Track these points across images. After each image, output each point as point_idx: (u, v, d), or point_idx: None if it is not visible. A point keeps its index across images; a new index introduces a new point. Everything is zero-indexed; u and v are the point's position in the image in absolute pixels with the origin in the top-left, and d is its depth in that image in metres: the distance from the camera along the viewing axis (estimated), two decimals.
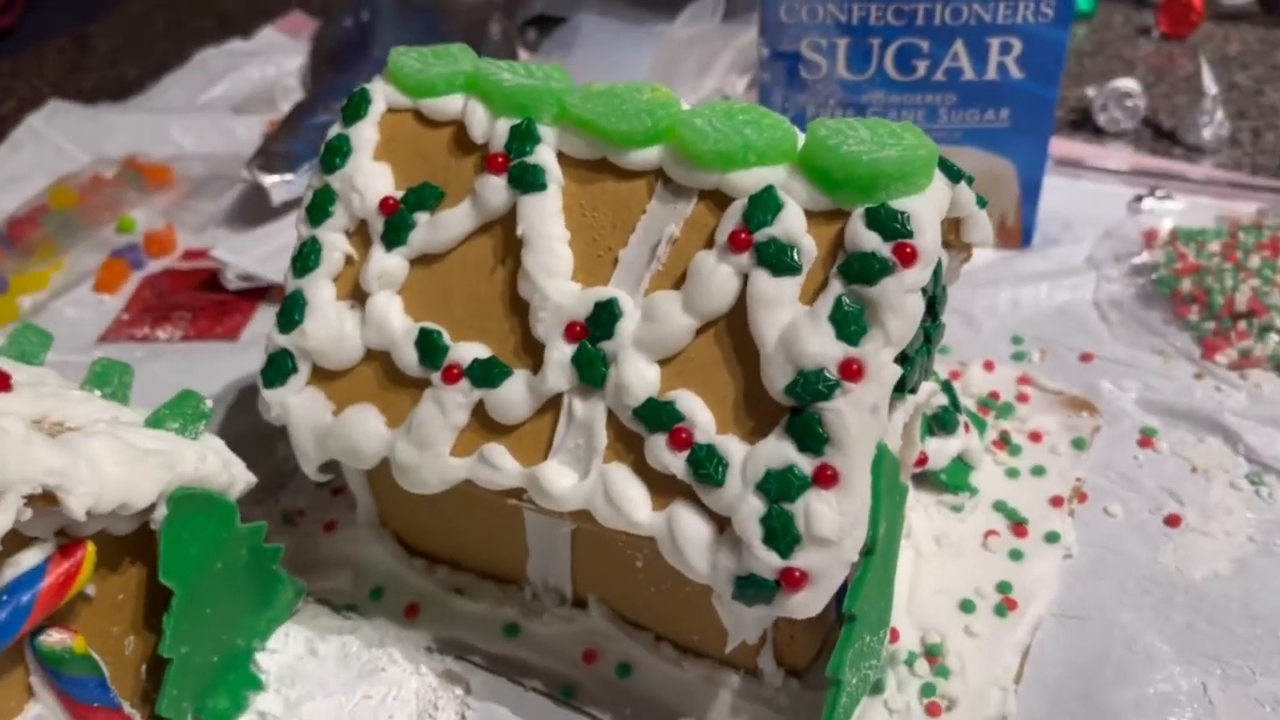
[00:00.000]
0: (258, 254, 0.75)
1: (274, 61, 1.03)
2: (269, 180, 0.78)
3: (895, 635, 0.48)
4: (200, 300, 0.74)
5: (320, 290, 0.47)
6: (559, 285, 0.43)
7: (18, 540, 0.38)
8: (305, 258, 0.48)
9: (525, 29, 1.05)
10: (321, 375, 0.47)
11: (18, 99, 1.00)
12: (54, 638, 0.39)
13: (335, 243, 0.48)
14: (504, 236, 0.45)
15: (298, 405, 0.47)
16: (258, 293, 0.74)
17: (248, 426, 0.60)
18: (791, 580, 0.38)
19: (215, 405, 0.63)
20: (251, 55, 1.05)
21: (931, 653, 0.48)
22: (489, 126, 0.46)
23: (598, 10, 0.97)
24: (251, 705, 0.48)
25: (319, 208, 0.48)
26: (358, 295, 0.47)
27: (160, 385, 0.48)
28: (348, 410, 0.46)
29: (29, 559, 0.38)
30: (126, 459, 0.39)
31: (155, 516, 0.41)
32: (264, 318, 0.72)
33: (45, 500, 0.37)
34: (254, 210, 0.80)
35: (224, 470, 0.43)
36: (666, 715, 0.46)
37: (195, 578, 0.43)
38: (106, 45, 1.12)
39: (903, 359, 0.40)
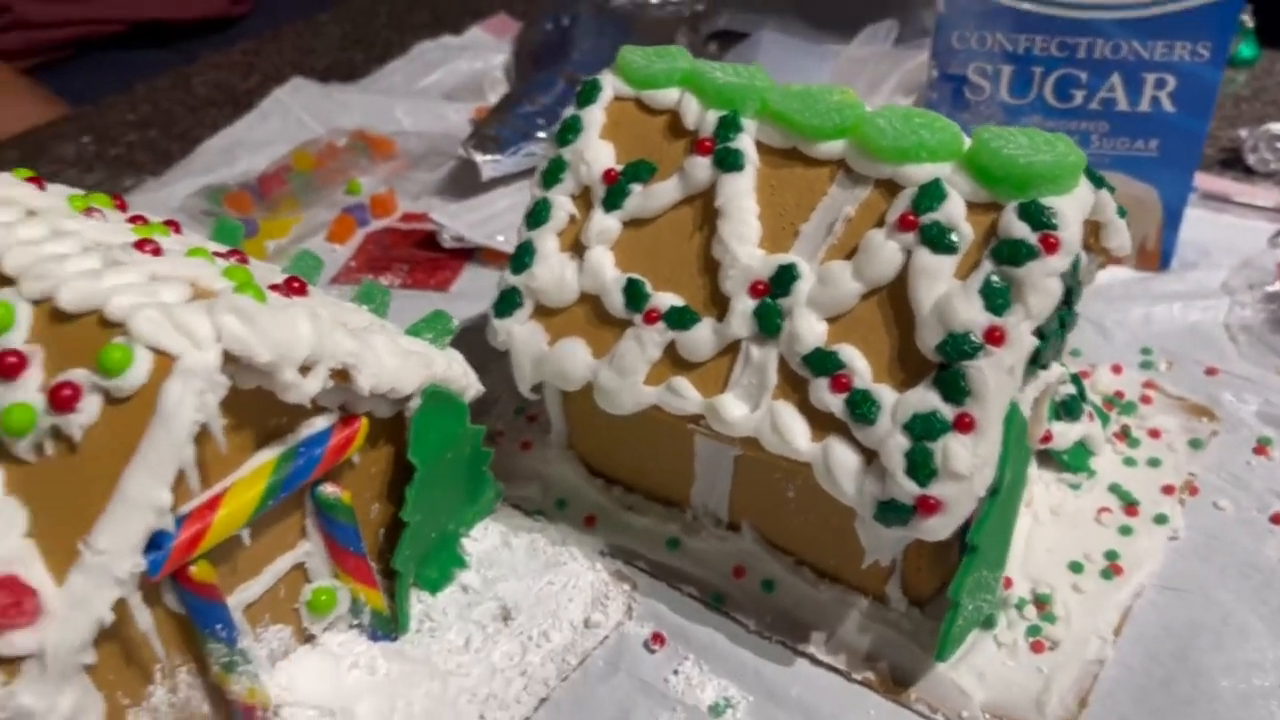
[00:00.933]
0: (469, 220, 0.86)
1: (481, 57, 1.15)
2: (481, 158, 0.90)
3: (1009, 583, 0.55)
4: (417, 256, 0.85)
5: (547, 241, 0.57)
6: (747, 250, 0.52)
7: (314, 408, 0.48)
8: (537, 214, 0.58)
9: (709, 42, 1.14)
10: (541, 311, 0.57)
11: (261, 74, 1.15)
12: (330, 490, 0.50)
13: (563, 204, 0.57)
14: (704, 207, 0.54)
15: (520, 333, 0.57)
16: (466, 253, 0.85)
17: None
18: (927, 506, 0.46)
19: None
20: (462, 50, 1.17)
21: (1041, 600, 0.54)
22: (700, 116, 0.55)
23: (778, 28, 1.06)
24: (456, 579, 0.58)
25: (552, 174, 0.58)
26: (577, 248, 0.57)
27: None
28: (561, 341, 0.56)
29: (320, 423, 0.49)
30: (398, 354, 0.49)
31: (410, 405, 0.51)
32: (470, 274, 0.83)
33: (340, 376, 0.47)
34: (465, 183, 0.92)
35: (463, 376, 0.53)
36: (801, 627, 0.54)
37: (433, 461, 0.53)
38: (337, 33, 1.26)
39: (1039, 335, 0.47)
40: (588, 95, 0.59)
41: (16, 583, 0.39)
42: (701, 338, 0.52)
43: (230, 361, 0.43)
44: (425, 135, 1.00)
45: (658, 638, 0.55)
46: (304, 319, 0.45)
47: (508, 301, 0.57)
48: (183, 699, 0.48)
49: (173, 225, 0.54)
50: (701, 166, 0.54)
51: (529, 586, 0.57)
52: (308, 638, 0.53)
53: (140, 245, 0.47)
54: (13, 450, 0.42)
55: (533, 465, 0.64)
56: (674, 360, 0.53)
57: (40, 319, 0.44)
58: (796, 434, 0.49)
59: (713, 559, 0.58)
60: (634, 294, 0.54)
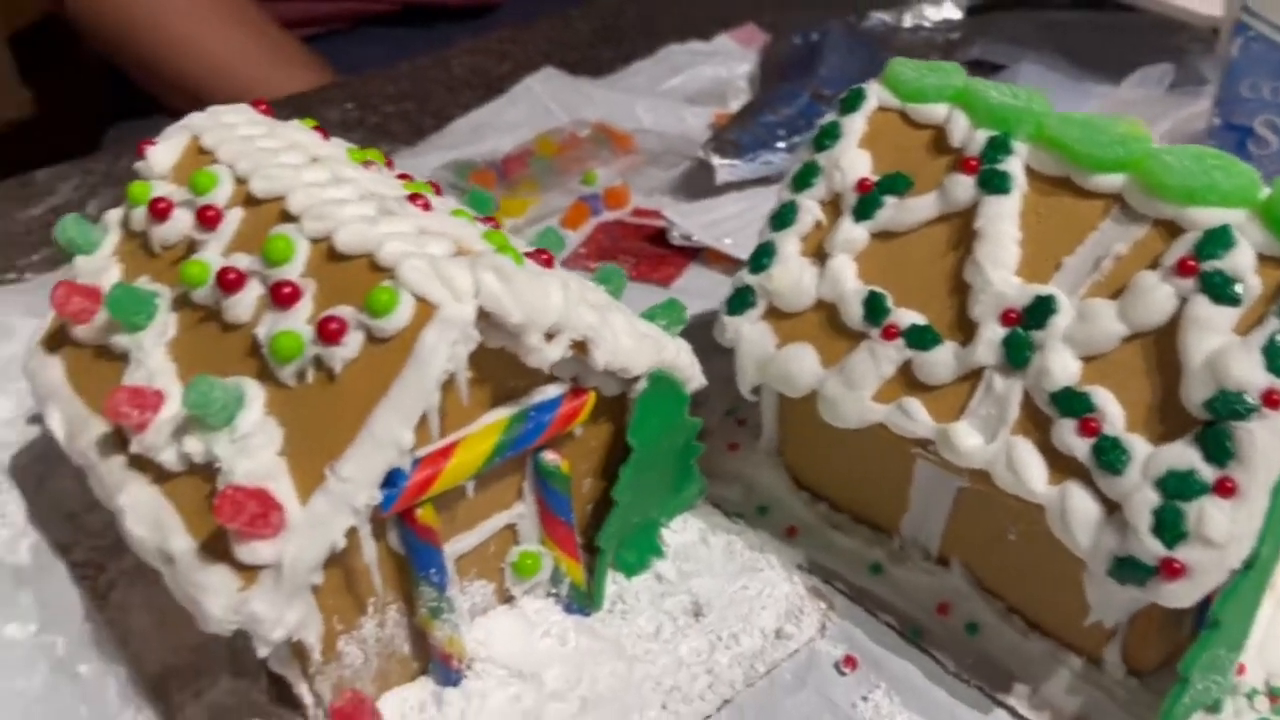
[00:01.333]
0: (699, 220, 0.86)
1: (726, 64, 1.16)
2: (718, 161, 0.90)
3: (1242, 669, 0.50)
4: (644, 249, 0.86)
5: (789, 244, 0.57)
6: (1003, 275, 0.50)
7: (548, 376, 0.50)
8: (783, 216, 0.57)
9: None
10: (773, 314, 0.56)
11: (514, 62, 1.19)
12: (551, 457, 0.51)
13: (810, 208, 0.57)
14: (960, 228, 0.52)
15: (749, 332, 0.56)
16: (692, 251, 0.85)
17: None
18: (1171, 570, 0.43)
19: None
20: (708, 56, 1.18)
21: (1274, 693, 0.50)
22: (968, 134, 0.53)
23: (1039, 62, 1.02)
24: (652, 567, 0.58)
25: (803, 178, 0.58)
26: (819, 254, 0.56)
27: None
28: (790, 345, 0.55)
29: (552, 391, 0.50)
30: (634, 335, 0.50)
31: (636, 386, 0.52)
32: (693, 272, 0.83)
33: (579, 348, 0.48)
34: (698, 185, 0.92)
35: (690, 366, 0.53)
36: (1004, 676, 0.52)
37: (650, 444, 0.53)
38: (587, 29, 1.30)
39: None
40: (851, 103, 0.58)
41: (267, 496, 0.42)
42: (941, 360, 0.50)
43: (484, 317, 0.44)
44: (664, 135, 1.01)
45: (850, 661, 0.53)
46: (556, 287, 0.46)
47: (740, 300, 0.57)
48: (388, 635, 0.50)
49: (434, 186, 0.57)
50: (964, 185, 0.52)
51: (723, 587, 0.57)
52: (507, 598, 0.55)
53: (412, 199, 0.49)
54: (277, 374, 0.45)
55: (738, 468, 0.64)
56: (907, 380, 0.52)
57: (316, 256, 0.47)
58: (1033, 473, 0.47)
59: (916, 591, 0.56)
60: (874, 307, 0.53)
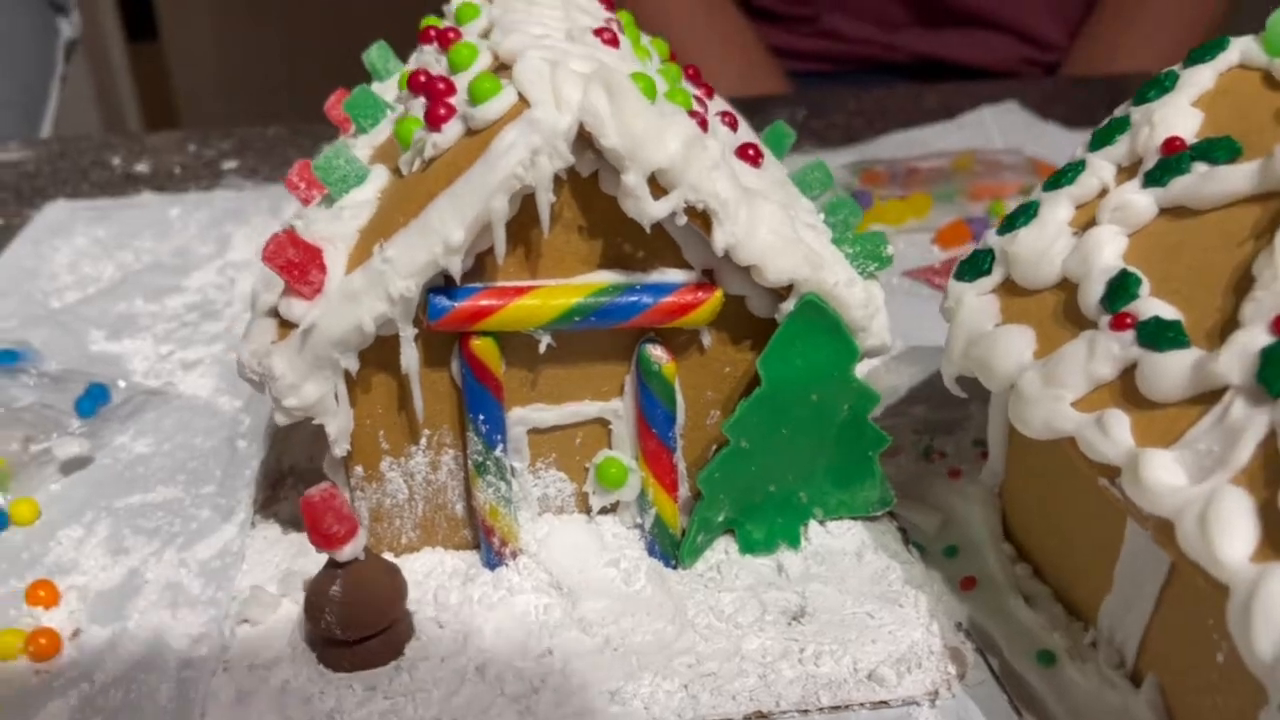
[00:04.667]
0: None
1: None
2: None
3: None
4: None
5: (1058, 207, 0.44)
6: None
7: (677, 259, 0.43)
8: (1062, 174, 0.45)
9: None
10: (1008, 287, 0.44)
11: (979, 98, 1.09)
12: (656, 351, 0.44)
13: (1099, 169, 0.43)
14: (1274, 211, 0.37)
15: (971, 305, 0.44)
16: None
17: None
18: None
19: None
20: None
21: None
22: None
23: None
24: (777, 554, 0.48)
25: (1105, 134, 0.44)
26: (1088, 225, 0.43)
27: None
28: (1006, 326, 0.42)
29: (674, 276, 0.43)
30: (782, 233, 0.41)
31: (783, 306, 0.43)
32: None
33: (700, 220, 0.40)
34: None
35: (863, 308, 0.43)
36: None
37: (787, 388, 0.44)
38: (1099, 94, 1.16)
39: None
40: (1202, 53, 0.43)
41: (314, 252, 0.40)
42: (1174, 369, 0.35)
43: (582, 138, 0.39)
44: None
45: None
46: (679, 131, 0.39)
47: (975, 264, 0.45)
48: (440, 483, 0.46)
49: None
50: None
51: (841, 602, 0.45)
52: (587, 509, 0.48)
53: (598, 32, 0.45)
54: (399, 162, 0.44)
55: (946, 497, 0.50)
56: (1124, 391, 0.37)
57: (490, 65, 0.45)
58: (1231, 539, 0.31)
59: (1086, 703, 0.40)
60: (1119, 289, 0.38)
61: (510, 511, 0.45)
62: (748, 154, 0.46)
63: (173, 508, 0.53)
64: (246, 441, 0.58)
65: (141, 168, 0.99)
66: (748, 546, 0.48)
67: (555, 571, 0.46)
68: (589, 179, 0.41)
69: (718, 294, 0.43)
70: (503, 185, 0.39)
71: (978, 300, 0.44)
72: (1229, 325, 0.35)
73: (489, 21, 0.51)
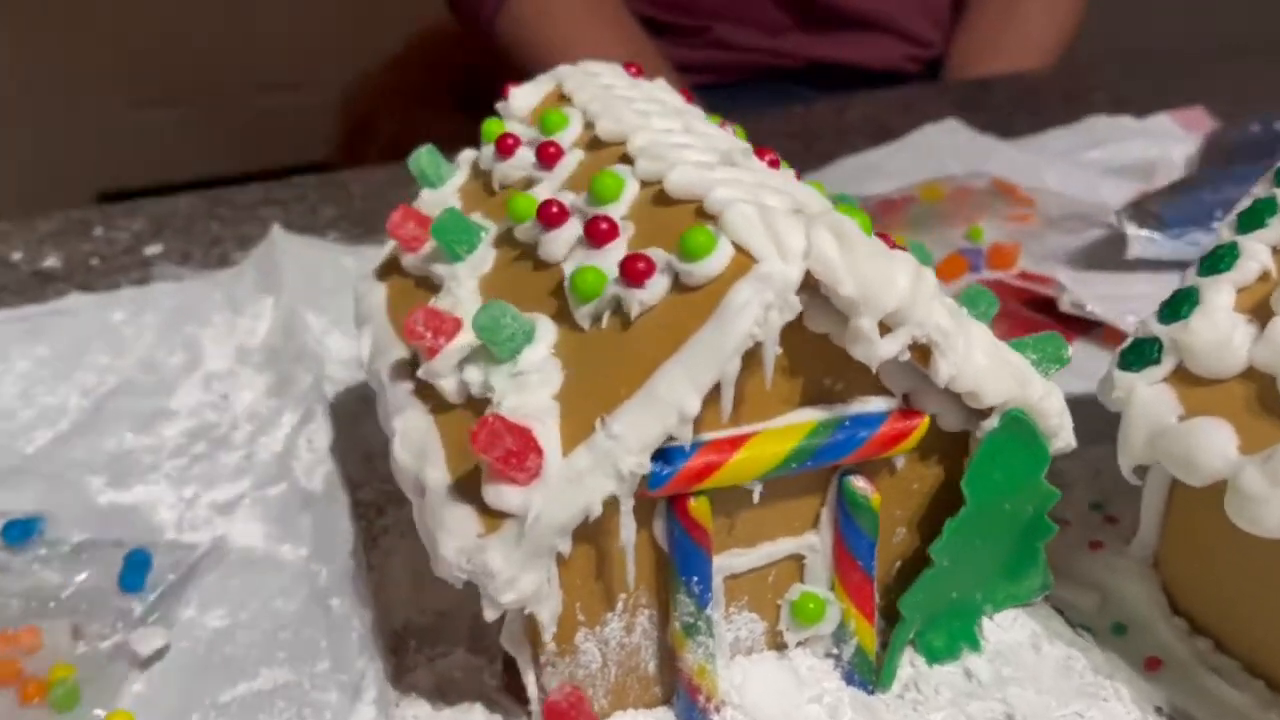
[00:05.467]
0: (1097, 291, 0.74)
1: (1161, 144, 1.02)
2: (1134, 232, 0.77)
3: None
4: (1023, 314, 0.75)
5: (1221, 293, 0.44)
6: None
7: (875, 385, 0.41)
8: (1218, 259, 0.45)
9: None
10: (1182, 376, 0.44)
11: (917, 116, 1.11)
12: (861, 484, 0.42)
13: (1256, 253, 0.44)
14: None
15: (1146, 396, 0.45)
16: (1083, 326, 0.73)
17: None
18: None
19: None
20: (1139, 133, 1.05)
21: None
22: None
23: None
24: (963, 660, 0.47)
25: (1255, 215, 0.45)
26: (1258, 312, 0.43)
27: None
28: (1198, 419, 0.43)
29: (877, 404, 0.41)
30: (993, 355, 0.40)
31: (985, 424, 0.42)
32: (1081, 350, 0.71)
33: (919, 354, 0.39)
34: (1102, 257, 0.80)
35: (1059, 414, 0.43)
36: None
37: (988, 501, 0.43)
38: (1004, 95, 1.20)
39: None
40: None
41: (528, 436, 0.37)
42: None
43: (810, 285, 0.37)
44: (1070, 200, 0.89)
45: None
46: (905, 268, 0.38)
47: (1141, 353, 0.45)
48: (634, 644, 0.43)
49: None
50: None
51: (1048, 705, 0.45)
52: (779, 645, 0.46)
53: (759, 153, 0.43)
54: (575, 314, 0.40)
55: (1097, 572, 0.51)
56: None
57: (644, 199, 0.42)
58: None
59: None
60: None
61: (715, 667, 0.43)
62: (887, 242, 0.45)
63: (292, 694, 0.47)
64: (338, 599, 0.52)
65: (51, 262, 0.89)
66: (933, 656, 0.47)
67: (760, 717, 0.44)
68: (796, 319, 0.39)
69: (925, 421, 0.41)
70: (739, 347, 0.36)
71: (1150, 391, 0.45)
72: None
73: (588, 130, 0.48)
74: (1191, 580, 0.48)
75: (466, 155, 0.55)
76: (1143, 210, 0.79)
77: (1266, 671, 0.45)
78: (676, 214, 0.40)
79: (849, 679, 0.45)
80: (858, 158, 1.00)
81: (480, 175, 0.53)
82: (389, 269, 0.54)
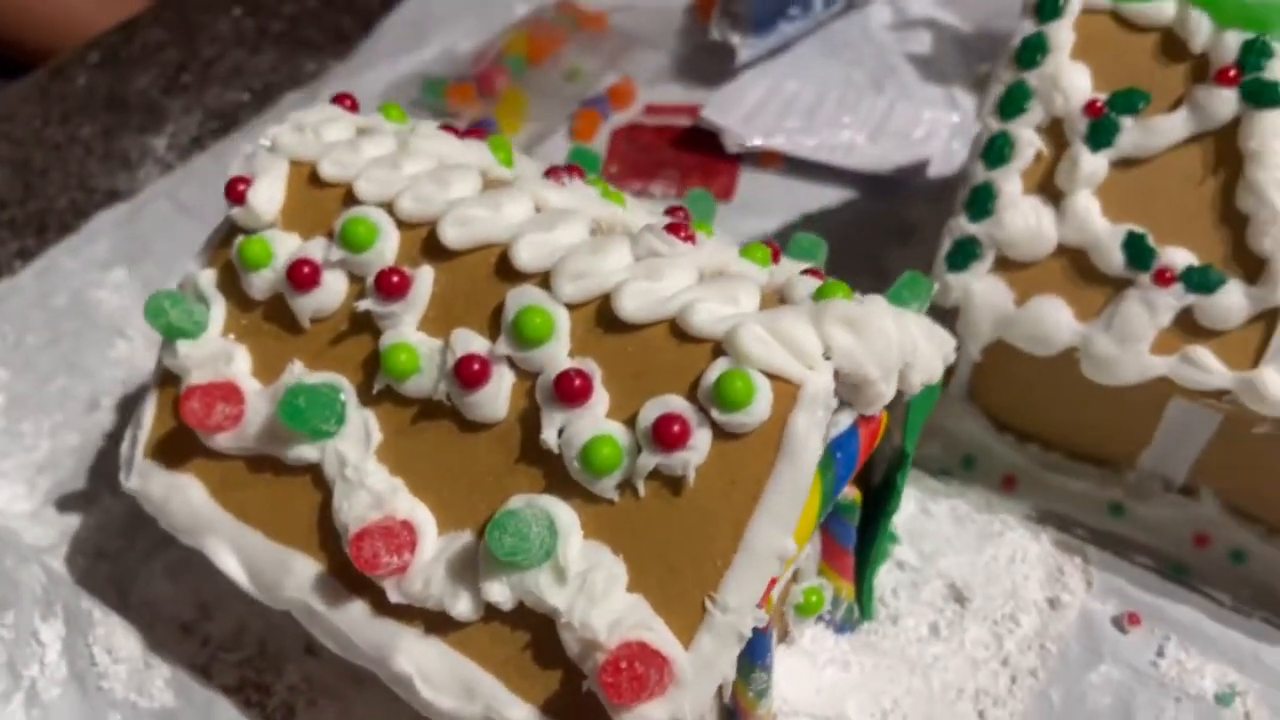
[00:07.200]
0: (734, 115, 0.77)
1: None
2: (739, 40, 0.80)
3: None
4: (684, 159, 0.77)
5: (1012, 183, 0.50)
6: None
7: None
8: (998, 150, 0.50)
9: None
10: (1005, 265, 0.50)
11: None
12: (849, 491, 0.44)
13: (1029, 139, 0.50)
14: (1219, 148, 0.47)
15: (980, 290, 0.50)
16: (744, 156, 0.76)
17: None
18: None
19: None
20: None
21: None
22: (1213, 38, 0.47)
23: None
24: (892, 555, 0.53)
25: (1013, 102, 0.50)
26: (1047, 191, 0.50)
27: None
28: (1034, 300, 0.49)
29: (843, 420, 0.42)
30: (929, 337, 0.43)
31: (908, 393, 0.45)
32: (749, 179, 0.75)
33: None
34: (704, 67, 0.83)
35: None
36: None
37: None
38: None
39: None
40: (1050, 7, 0.50)
41: (652, 653, 0.34)
42: (1231, 304, 0.46)
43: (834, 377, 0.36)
44: (638, 9, 0.89)
45: (1133, 618, 0.51)
46: (888, 320, 0.38)
47: (964, 252, 0.50)
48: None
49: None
50: (1224, 100, 0.47)
51: (971, 561, 0.53)
52: (787, 640, 0.49)
53: (673, 230, 0.39)
54: (590, 487, 0.36)
55: (932, 419, 0.58)
56: (1186, 327, 0.47)
57: (581, 326, 0.38)
58: None
59: (1168, 526, 0.54)
60: (1138, 249, 0.47)
61: (770, 702, 0.45)
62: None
63: None
64: None
65: None
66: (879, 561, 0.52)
67: (808, 709, 0.47)
68: None
69: (884, 416, 0.43)
70: (812, 471, 0.35)
71: (982, 285, 0.50)
72: (1243, 256, 0.46)
73: (412, 231, 0.41)
74: (1006, 401, 0.57)
75: (205, 280, 0.44)
76: (733, 15, 0.82)
77: (1089, 455, 0.56)
78: (645, 342, 0.36)
79: (839, 629, 0.50)
80: (399, 12, 0.90)
81: (255, 306, 0.43)
82: (174, 449, 0.43)
